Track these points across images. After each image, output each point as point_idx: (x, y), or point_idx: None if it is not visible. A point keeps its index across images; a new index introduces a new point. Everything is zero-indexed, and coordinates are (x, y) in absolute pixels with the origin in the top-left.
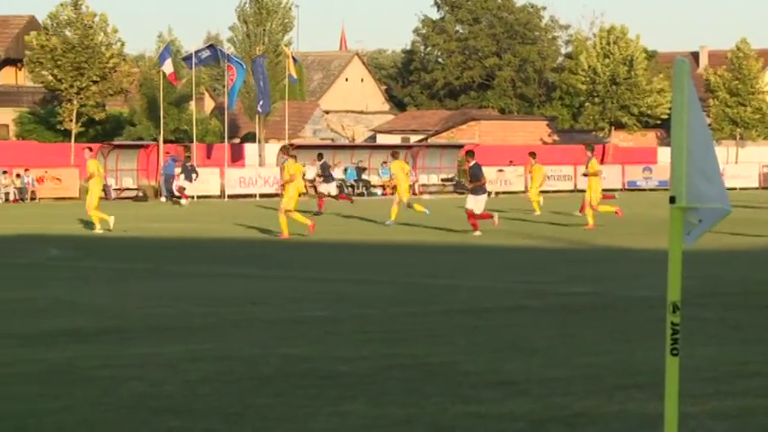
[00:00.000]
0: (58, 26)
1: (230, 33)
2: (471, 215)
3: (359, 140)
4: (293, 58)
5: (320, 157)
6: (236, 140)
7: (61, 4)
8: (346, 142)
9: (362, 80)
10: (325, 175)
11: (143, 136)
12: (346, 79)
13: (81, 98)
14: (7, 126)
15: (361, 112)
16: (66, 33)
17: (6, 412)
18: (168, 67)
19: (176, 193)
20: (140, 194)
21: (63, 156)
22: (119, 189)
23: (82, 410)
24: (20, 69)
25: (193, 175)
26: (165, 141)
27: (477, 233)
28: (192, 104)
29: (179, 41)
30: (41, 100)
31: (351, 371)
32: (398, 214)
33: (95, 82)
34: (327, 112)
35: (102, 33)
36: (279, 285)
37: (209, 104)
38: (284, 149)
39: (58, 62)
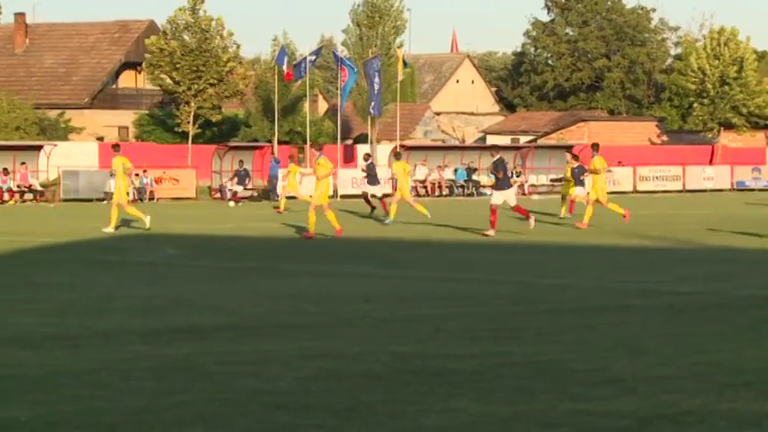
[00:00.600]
0: (177, 30)
1: (344, 36)
2: (494, 212)
3: (469, 141)
4: (403, 60)
5: (367, 157)
6: (349, 141)
7: (180, 9)
8: (456, 143)
9: (473, 82)
10: (371, 176)
11: (258, 137)
12: (457, 81)
13: (198, 100)
14: (127, 128)
15: (472, 114)
16: (185, 37)
17: (125, 407)
18: (285, 69)
19: (229, 197)
20: (255, 195)
21: (180, 157)
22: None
23: (198, 406)
24: (139, 73)
25: (247, 180)
26: (280, 143)
27: (491, 232)
28: (306, 106)
29: (293, 44)
30: (160, 102)
31: (460, 368)
32: (397, 213)
33: (212, 84)
34: (438, 114)
35: (218, 37)
36: (391, 284)
37: (322, 106)
38: (315, 146)
39: (177, 65)
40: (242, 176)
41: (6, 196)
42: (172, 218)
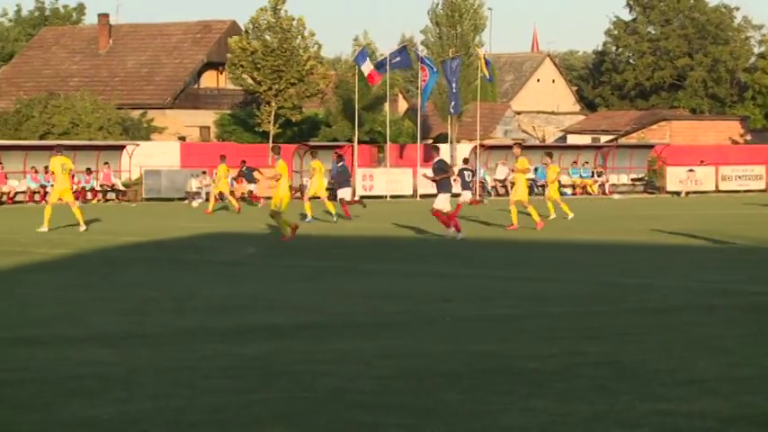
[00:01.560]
0: (259, 30)
1: (423, 36)
2: (438, 214)
3: (549, 141)
4: (485, 59)
5: (339, 158)
6: (429, 141)
7: (261, 9)
8: (537, 143)
9: (554, 81)
10: (340, 181)
11: (338, 137)
12: (538, 80)
13: (279, 100)
14: (208, 128)
15: (552, 113)
16: (266, 37)
17: (205, 405)
18: (366, 69)
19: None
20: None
21: (261, 156)
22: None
23: (277, 404)
24: (221, 73)
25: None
26: (360, 142)
27: (455, 233)
28: (386, 106)
29: (374, 44)
30: (241, 102)
31: (540, 368)
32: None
33: (293, 84)
34: (519, 113)
35: (299, 37)
36: (470, 283)
37: (402, 106)
38: (273, 149)
39: (258, 65)
40: (247, 175)
41: (89, 195)
42: (252, 217)
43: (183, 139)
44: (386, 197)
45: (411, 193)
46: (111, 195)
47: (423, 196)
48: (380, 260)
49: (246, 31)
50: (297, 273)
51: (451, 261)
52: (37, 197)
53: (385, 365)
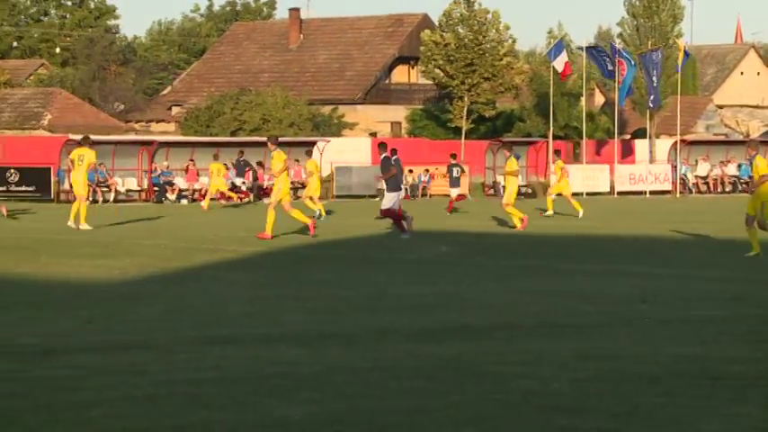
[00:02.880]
0: (451, 23)
1: (619, 28)
2: (387, 213)
3: (753, 136)
4: (685, 51)
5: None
6: (626, 136)
7: (455, 2)
8: (740, 138)
9: (758, 74)
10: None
11: (532, 132)
12: (741, 73)
13: (472, 95)
14: (400, 123)
15: (757, 107)
16: (459, 30)
17: (397, 407)
18: (560, 63)
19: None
20: (529, 191)
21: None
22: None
23: (470, 407)
24: (412, 67)
25: (246, 171)
26: (555, 138)
27: (406, 236)
28: (582, 100)
29: (569, 37)
30: (433, 97)
31: (744, 372)
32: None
33: (486, 79)
34: (721, 107)
35: (493, 30)
36: (670, 284)
37: (598, 100)
38: (270, 139)
39: (451, 59)
40: (240, 168)
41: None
42: (444, 214)
43: (373, 135)
44: (582, 194)
45: (608, 189)
46: (300, 193)
47: (620, 193)
48: (575, 259)
49: (440, 25)
50: (488, 272)
51: (649, 260)
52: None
53: (581, 367)
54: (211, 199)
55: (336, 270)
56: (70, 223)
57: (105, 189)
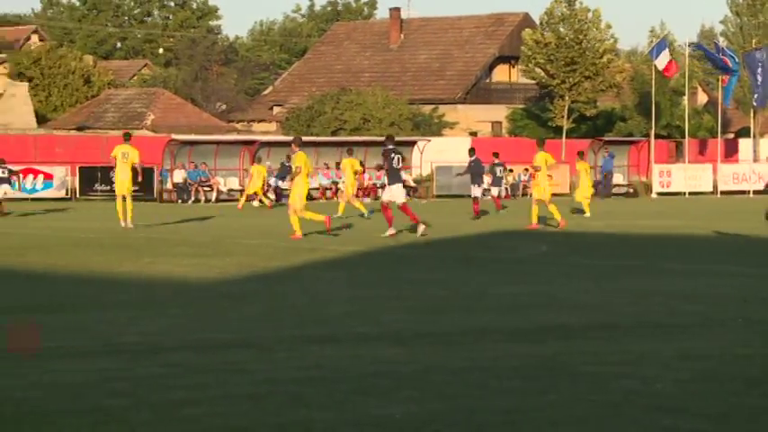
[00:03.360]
0: (552, 23)
1: (722, 26)
2: (403, 208)
3: None
4: None
5: (471, 152)
6: (730, 135)
7: (556, 1)
8: None
9: None
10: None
11: (633, 131)
12: None
13: (573, 94)
14: (500, 123)
15: None
16: (560, 29)
17: (495, 407)
18: (662, 61)
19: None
20: (631, 190)
21: (554, 152)
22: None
23: (569, 407)
24: (513, 67)
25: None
26: (656, 137)
27: (390, 231)
28: (685, 99)
29: (672, 35)
30: (533, 97)
31: None
32: (345, 210)
33: (587, 78)
34: None
35: (594, 29)
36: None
37: (701, 98)
38: (294, 140)
39: (551, 58)
40: (285, 171)
41: (380, 192)
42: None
43: (474, 134)
44: (684, 194)
45: (711, 189)
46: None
47: (723, 193)
48: (676, 258)
49: (541, 24)
50: (586, 271)
51: (752, 260)
52: (329, 194)
53: (683, 368)
54: (246, 200)
55: (435, 269)
56: (124, 224)
57: (208, 189)
